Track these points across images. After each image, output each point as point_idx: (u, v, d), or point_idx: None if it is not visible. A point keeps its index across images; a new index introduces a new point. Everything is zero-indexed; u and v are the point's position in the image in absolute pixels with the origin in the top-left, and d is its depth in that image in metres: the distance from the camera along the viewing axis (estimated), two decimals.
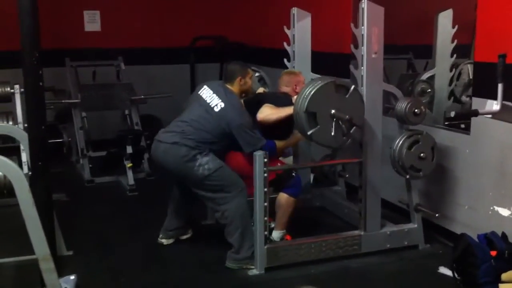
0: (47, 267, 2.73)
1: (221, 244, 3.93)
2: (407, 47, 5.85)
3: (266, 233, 3.74)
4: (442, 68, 4.80)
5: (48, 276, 2.75)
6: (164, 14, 7.52)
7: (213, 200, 3.88)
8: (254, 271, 3.75)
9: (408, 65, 5.89)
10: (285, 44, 4.66)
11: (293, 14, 4.54)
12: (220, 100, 3.85)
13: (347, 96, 3.51)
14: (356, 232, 3.98)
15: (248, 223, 3.83)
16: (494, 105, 2.44)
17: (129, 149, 5.63)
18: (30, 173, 3.62)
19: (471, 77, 4.43)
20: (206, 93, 3.93)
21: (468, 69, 4.65)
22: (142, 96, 6.29)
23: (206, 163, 3.76)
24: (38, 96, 3.47)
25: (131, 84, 6.32)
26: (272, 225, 4.05)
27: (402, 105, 3.78)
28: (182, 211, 4.25)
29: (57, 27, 6.78)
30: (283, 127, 4.00)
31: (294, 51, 4.60)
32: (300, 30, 4.55)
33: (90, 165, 5.92)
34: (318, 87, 3.45)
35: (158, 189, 5.66)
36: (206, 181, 3.78)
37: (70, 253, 4.02)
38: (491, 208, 3.76)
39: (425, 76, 4.92)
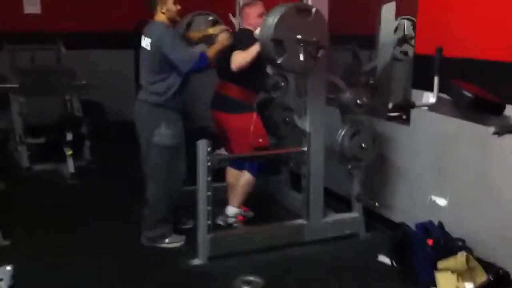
0: None
1: None
2: (352, 37, 5.90)
3: (209, 222, 3.72)
4: (384, 59, 4.85)
5: None
6: None
7: None
8: (196, 261, 3.73)
9: (353, 56, 5.94)
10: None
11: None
12: (148, 37, 3.81)
13: (310, 19, 3.47)
14: (300, 221, 4.01)
15: None
16: (431, 98, 2.49)
17: (69, 136, 5.49)
18: None
19: (406, 33, 4.51)
20: (143, 41, 3.88)
21: (404, 24, 4.70)
22: (84, 82, 6.11)
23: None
24: None
25: (71, 69, 6.13)
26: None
27: (345, 95, 3.82)
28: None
29: None
30: (255, 63, 3.89)
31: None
32: None
33: (29, 152, 5.73)
34: (281, 13, 3.40)
35: (100, 177, 5.58)
36: None
37: (7, 243, 3.91)
38: (429, 197, 3.85)
39: (368, 67, 4.97)
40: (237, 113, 4.03)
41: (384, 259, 3.77)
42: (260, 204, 4.61)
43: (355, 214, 4.12)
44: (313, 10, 3.48)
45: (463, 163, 3.60)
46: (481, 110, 2.45)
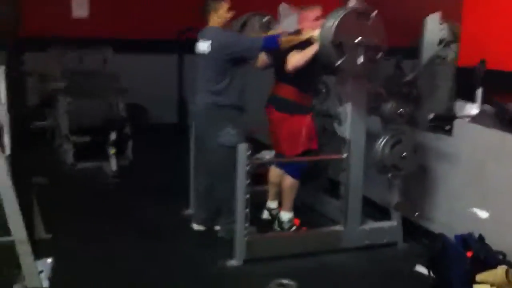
0: (23, 249, 2.74)
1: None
2: (396, 49, 5.85)
3: (246, 225, 3.75)
4: (427, 69, 4.80)
5: (24, 258, 2.75)
6: (152, 4, 7.48)
7: None
8: (232, 262, 3.76)
9: (396, 66, 5.89)
10: None
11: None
12: (207, 40, 3.97)
13: (369, 22, 3.52)
14: (337, 227, 4.01)
15: None
16: (473, 109, 2.46)
17: (113, 136, 5.62)
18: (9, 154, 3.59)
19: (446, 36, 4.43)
20: (199, 47, 4.04)
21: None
22: (126, 86, 6.24)
23: None
24: (19, 79, 3.46)
25: (116, 73, 6.30)
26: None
27: (387, 105, 3.82)
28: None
29: (42, 12, 6.72)
30: (310, 66, 3.97)
31: None
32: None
33: (73, 150, 5.90)
34: (341, 16, 3.47)
35: (141, 176, 5.69)
36: None
37: (49, 236, 4.01)
38: (469, 209, 3.79)
39: (410, 77, 4.92)
40: (292, 114, 4.10)
41: (422, 269, 3.73)
42: (297, 211, 4.62)
43: (393, 223, 4.09)
44: (373, 13, 3.52)
45: (505, 176, 3.53)
46: None
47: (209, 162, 4.19)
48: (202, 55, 4.04)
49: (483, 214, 3.71)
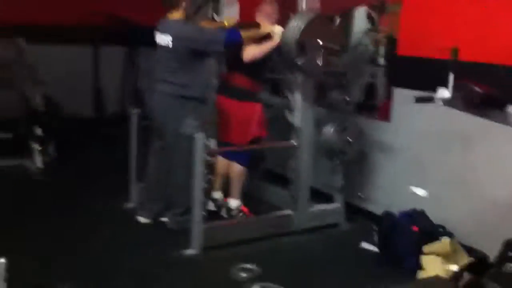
0: None
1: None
2: None
3: (204, 213, 3.82)
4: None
5: None
6: None
7: None
8: (190, 251, 3.80)
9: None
10: None
11: None
12: (167, 34, 3.93)
13: (333, 27, 3.73)
14: (288, 211, 4.18)
15: None
16: (446, 93, 2.72)
17: (39, 131, 5.38)
18: None
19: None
20: (160, 40, 3.99)
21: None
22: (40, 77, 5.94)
23: None
24: None
25: (31, 63, 5.99)
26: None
27: (334, 93, 4.05)
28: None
29: None
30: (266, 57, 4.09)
31: None
32: None
33: None
34: (308, 19, 3.63)
35: (69, 173, 5.49)
36: None
37: None
38: (409, 189, 4.13)
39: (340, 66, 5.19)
40: (244, 101, 4.19)
41: (368, 246, 4.02)
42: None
43: (337, 205, 4.34)
44: (338, 19, 3.76)
45: (442, 156, 3.89)
46: (489, 106, 2.72)
47: (168, 153, 4.16)
48: (165, 48, 3.97)
49: (421, 192, 4.06)
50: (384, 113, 4.28)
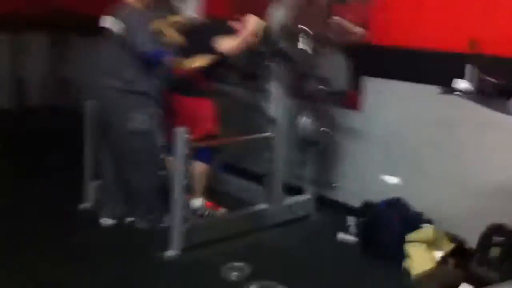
0: None
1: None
2: None
3: (185, 213, 3.62)
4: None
5: None
6: None
7: None
8: (171, 252, 3.60)
9: None
10: None
11: None
12: (120, 21, 3.65)
13: (317, 12, 3.66)
14: (263, 205, 4.08)
15: None
16: (464, 84, 2.72)
17: None
18: None
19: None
20: (110, 24, 3.70)
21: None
22: None
23: None
24: None
25: None
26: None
27: (307, 84, 3.97)
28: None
29: None
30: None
31: None
32: None
33: None
34: (292, 2, 3.55)
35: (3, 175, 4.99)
36: None
37: None
38: (380, 177, 4.17)
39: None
40: (193, 97, 3.95)
41: (344, 236, 4.02)
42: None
43: (307, 196, 4.30)
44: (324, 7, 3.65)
45: (420, 146, 3.96)
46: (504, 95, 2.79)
47: (118, 150, 3.91)
48: (115, 35, 3.69)
49: (393, 180, 4.12)
50: (355, 102, 4.26)
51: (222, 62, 3.91)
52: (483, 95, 2.72)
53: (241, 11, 4.78)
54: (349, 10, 4.44)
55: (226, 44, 3.76)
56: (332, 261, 3.75)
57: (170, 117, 4.03)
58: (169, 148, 4.02)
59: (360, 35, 4.11)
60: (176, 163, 3.54)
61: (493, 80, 2.74)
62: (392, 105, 4.08)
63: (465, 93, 2.64)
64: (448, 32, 3.68)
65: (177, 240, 3.60)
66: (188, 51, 3.79)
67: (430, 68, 3.80)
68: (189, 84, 3.94)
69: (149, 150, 3.85)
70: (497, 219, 3.42)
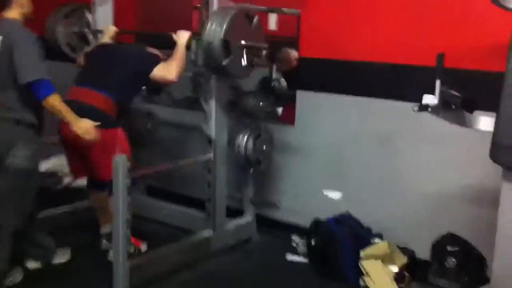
0: None
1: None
2: None
3: (129, 248, 3.25)
4: None
5: None
6: None
7: None
8: None
9: None
10: None
11: None
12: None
13: (252, 25, 3.41)
14: (206, 232, 3.80)
15: None
16: (432, 99, 2.65)
17: None
18: None
19: None
20: None
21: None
22: None
23: None
24: None
25: None
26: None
27: (248, 100, 3.78)
28: None
29: None
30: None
31: None
32: None
33: None
34: (230, 16, 3.27)
35: None
36: None
37: None
38: (322, 193, 4.06)
39: None
40: (102, 128, 3.34)
41: (294, 257, 3.86)
42: None
43: (248, 218, 4.08)
44: (256, 17, 3.44)
45: (360, 160, 3.90)
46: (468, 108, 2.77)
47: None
48: None
49: (336, 195, 4.02)
50: (290, 117, 4.12)
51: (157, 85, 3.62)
52: (447, 109, 2.68)
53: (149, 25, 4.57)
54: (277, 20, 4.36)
55: (174, 68, 3.45)
56: (287, 285, 3.57)
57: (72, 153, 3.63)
58: (93, 182, 3.74)
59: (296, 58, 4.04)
60: (116, 195, 3.15)
61: (456, 93, 2.72)
62: (327, 118, 3.98)
63: (432, 108, 2.59)
64: (394, 44, 3.67)
65: (123, 278, 3.22)
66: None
67: (370, 80, 3.77)
68: (98, 113, 3.41)
69: (21, 190, 3.26)
70: (442, 229, 3.49)
